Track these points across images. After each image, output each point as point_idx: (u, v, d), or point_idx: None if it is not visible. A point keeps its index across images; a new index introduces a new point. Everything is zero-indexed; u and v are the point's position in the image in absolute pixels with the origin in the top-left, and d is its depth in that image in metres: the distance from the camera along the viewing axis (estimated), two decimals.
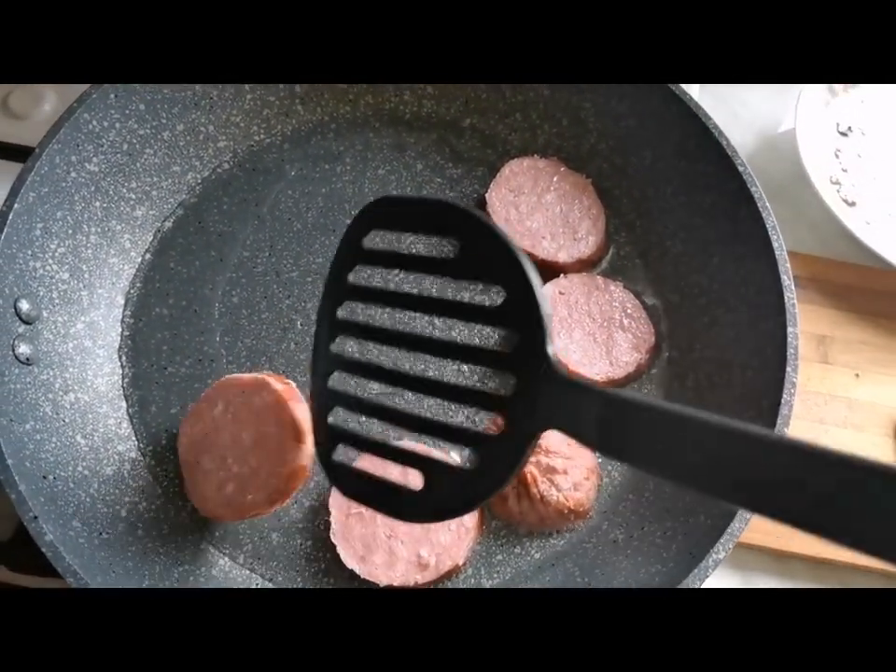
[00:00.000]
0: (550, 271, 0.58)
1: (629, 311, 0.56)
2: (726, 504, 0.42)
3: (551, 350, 0.31)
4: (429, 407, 0.47)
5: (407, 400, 0.46)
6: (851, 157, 0.82)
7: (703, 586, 0.44)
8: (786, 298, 0.48)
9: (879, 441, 0.69)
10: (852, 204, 0.79)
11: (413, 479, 0.35)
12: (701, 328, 0.56)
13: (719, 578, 0.62)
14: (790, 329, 0.47)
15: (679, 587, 0.43)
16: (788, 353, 0.46)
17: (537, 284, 0.32)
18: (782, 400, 0.45)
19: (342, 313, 0.38)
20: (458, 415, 0.52)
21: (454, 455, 0.46)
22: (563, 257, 0.58)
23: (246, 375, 0.50)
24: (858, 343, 0.74)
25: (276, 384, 0.49)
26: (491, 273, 0.34)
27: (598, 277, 0.58)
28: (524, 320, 0.32)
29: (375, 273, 0.38)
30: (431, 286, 0.54)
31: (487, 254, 0.33)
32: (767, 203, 0.52)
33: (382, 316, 0.48)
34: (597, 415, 0.30)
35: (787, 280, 0.49)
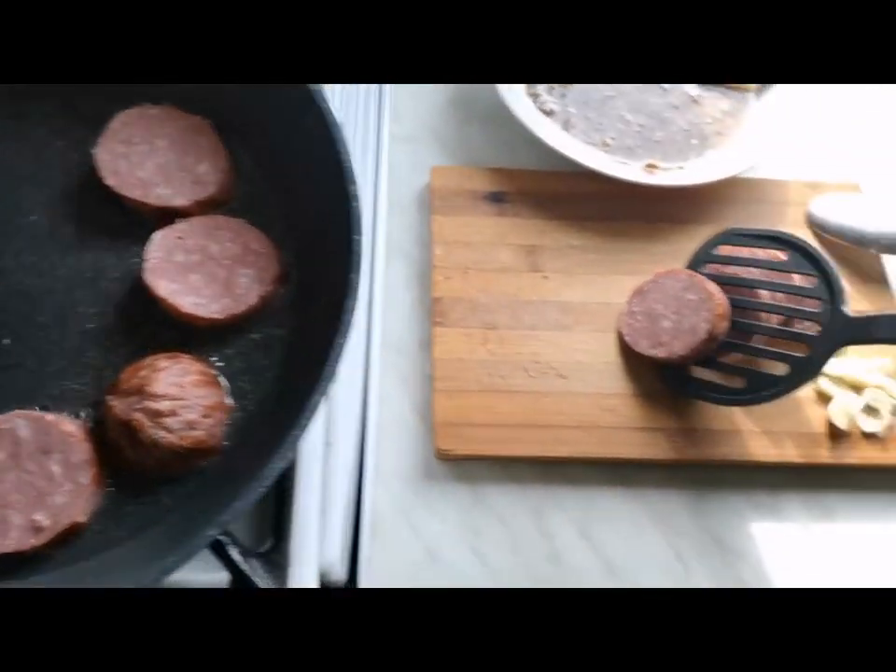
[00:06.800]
0: (169, 216, 0.57)
1: (253, 246, 0.56)
2: None
3: (844, 307, 0.58)
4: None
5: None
6: None
7: None
8: (351, 208, 0.47)
9: (590, 339, 0.71)
10: (550, 113, 0.81)
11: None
12: (322, 255, 0.55)
13: (453, 492, 0.63)
14: (354, 238, 0.47)
15: None
16: (352, 259, 0.46)
17: (835, 274, 0.60)
18: (345, 306, 0.45)
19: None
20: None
21: None
22: (180, 201, 0.57)
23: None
24: (567, 249, 0.76)
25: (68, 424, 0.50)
26: (808, 268, 0.61)
27: (220, 217, 0.57)
28: (828, 294, 0.59)
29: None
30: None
31: (805, 258, 0.61)
32: (336, 118, 0.52)
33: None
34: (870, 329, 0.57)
35: (353, 190, 0.49)
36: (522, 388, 0.67)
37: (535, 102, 0.81)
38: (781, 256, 0.63)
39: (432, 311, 0.70)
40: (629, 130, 0.81)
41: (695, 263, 0.68)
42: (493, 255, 0.74)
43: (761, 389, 0.61)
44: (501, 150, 0.81)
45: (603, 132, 0.80)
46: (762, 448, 0.66)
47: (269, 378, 0.54)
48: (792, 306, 0.62)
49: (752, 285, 0.64)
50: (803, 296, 0.61)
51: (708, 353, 0.64)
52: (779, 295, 0.63)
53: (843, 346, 0.58)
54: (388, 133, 0.80)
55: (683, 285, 0.65)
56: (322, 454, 0.53)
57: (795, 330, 0.61)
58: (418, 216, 0.77)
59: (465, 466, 0.65)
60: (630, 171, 0.77)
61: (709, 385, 0.64)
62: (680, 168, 0.78)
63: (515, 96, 0.79)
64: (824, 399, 0.69)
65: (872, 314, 0.59)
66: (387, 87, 0.84)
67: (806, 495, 0.66)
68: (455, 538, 0.62)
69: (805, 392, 0.68)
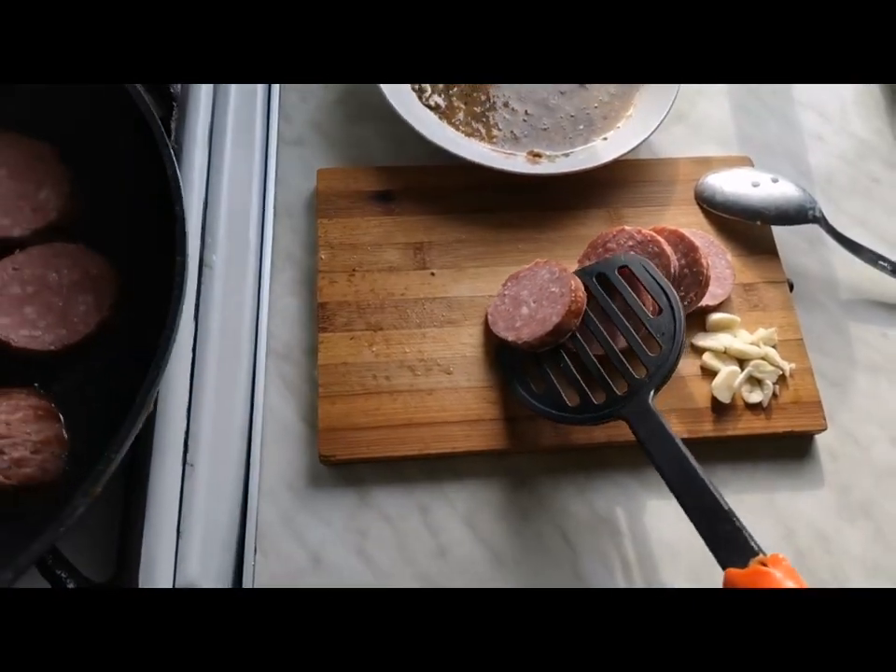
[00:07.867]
0: (8, 247, 0.57)
1: (92, 272, 0.56)
2: None
3: (652, 391, 0.58)
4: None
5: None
6: None
7: None
8: (176, 228, 0.47)
9: (477, 333, 0.71)
10: (435, 108, 0.80)
11: None
12: (159, 278, 0.54)
13: (339, 496, 0.64)
14: (178, 258, 0.46)
15: None
16: (174, 282, 0.45)
17: (674, 363, 0.59)
18: (163, 335, 0.44)
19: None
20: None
21: None
22: (19, 231, 0.57)
23: None
24: (455, 243, 0.76)
25: None
26: (665, 338, 0.60)
27: (59, 244, 0.57)
28: (655, 372, 0.59)
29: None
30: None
31: (673, 325, 0.60)
32: (164, 137, 0.51)
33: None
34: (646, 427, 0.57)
35: (178, 210, 0.48)
36: (406, 388, 0.67)
37: (420, 96, 0.80)
38: (659, 307, 0.62)
39: (317, 316, 0.70)
40: (516, 119, 0.80)
41: (590, 270, 0.67)
42: (380, 255, 0.74)
43: (560, 409, 0.62)
44: (392, 148, 0.81)
45: (488, 122, 0.80)
46: None
47: (110, 407, 0.53)
48: (623, 361, 0.61)
49: (611, 318, 0.64)
50: (638, 358, 0.61)
51: (549, 346, 0.64)
52: (622, 341, 0.63)
53: (619, 420, 0.59)
54: (277, 135, 0.80)
55: (552, 276, 0.66)
56: (180, 476, 0.52)
57: (605, 375, 0.61)
58: (307, 220, 0.77)
59: (352, 469, 0.66)
60: (514, 162, 0.77)
61: (529, 389, 0.65)
62: (566, 155, 0.78)
63: (398, 92, 0.78)
64: (709, 374, 0.69)
65: (654, 411, 0.57)
66: (276, 87, 0.83)
67: None
68: (341, 541, 0.63)
69: (690, 369, 0.69)
